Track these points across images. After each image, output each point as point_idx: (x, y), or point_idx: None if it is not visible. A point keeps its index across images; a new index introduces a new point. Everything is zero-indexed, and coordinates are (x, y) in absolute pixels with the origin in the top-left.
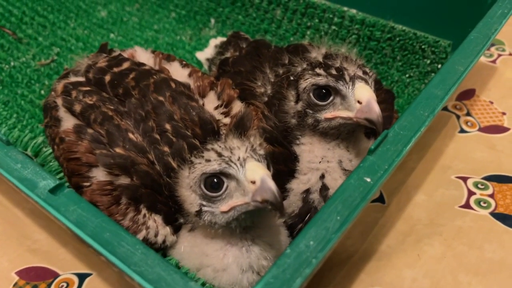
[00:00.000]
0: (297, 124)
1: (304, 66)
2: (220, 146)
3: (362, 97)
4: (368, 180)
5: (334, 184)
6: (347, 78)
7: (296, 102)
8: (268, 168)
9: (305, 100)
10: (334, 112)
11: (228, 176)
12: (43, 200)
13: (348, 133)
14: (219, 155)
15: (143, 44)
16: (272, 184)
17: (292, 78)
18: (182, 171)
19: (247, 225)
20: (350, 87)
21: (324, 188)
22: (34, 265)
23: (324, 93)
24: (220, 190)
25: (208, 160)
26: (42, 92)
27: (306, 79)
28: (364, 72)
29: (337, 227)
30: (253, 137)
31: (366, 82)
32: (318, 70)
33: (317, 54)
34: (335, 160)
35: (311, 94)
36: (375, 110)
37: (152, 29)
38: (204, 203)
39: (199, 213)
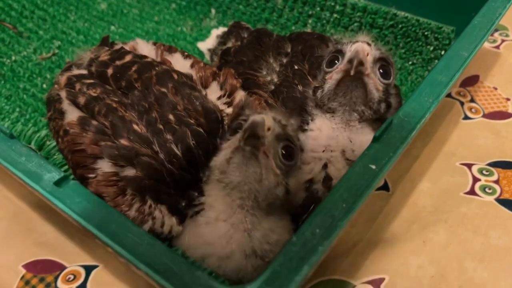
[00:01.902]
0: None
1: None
2: None
3: (352, 48)
4: (373, 167)
5: (338, 174)
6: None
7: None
8: None
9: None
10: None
11: None
12: (48, 193)
13: (351, 109)
14: None
15: (144, 36)
16: None
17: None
18: None
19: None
20: (349, 45)
21: (327, 179)
22: (41, 258)
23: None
24: None
25: None
26: (44, 85)
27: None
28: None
29: (343, 215)
30: None
31: (368, 44)
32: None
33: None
34: (338, 150)
35: (324, 63)
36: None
37: (152, 21)
38: None
39: None
